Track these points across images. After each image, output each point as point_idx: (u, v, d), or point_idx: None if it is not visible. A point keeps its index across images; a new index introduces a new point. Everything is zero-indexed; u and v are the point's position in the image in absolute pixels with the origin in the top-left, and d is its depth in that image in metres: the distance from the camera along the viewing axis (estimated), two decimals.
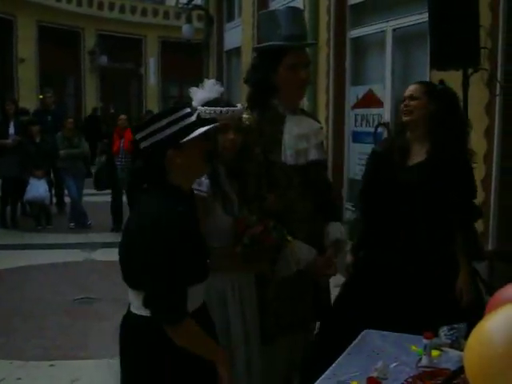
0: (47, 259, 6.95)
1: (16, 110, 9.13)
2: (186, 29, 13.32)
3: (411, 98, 2.95)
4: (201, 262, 2.03)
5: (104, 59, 20.36)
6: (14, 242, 7.84)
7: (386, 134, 6.15)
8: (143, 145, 1.98)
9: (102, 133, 11.23)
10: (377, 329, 2.50)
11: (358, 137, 7.47)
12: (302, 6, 7.50)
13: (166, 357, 1.94)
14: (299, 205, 2.69)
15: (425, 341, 2.17)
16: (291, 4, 7.75)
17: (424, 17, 4.86)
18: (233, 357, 2.40)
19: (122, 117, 8.66)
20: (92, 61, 20.22)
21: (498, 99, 4.67)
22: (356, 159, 7.47)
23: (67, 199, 9.23)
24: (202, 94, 2.49)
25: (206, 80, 2.58)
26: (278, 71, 2.65)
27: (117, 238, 2.27)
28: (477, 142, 3.91)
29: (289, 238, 2.52)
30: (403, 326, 2.48)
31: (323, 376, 2.12)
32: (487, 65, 4.50)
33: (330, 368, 2.18)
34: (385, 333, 2.47)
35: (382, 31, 6.88)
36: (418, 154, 2.94)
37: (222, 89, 2.54)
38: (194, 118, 2.03)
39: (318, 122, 2.96)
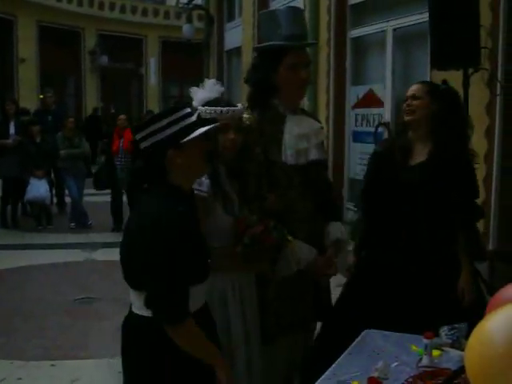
0: (48, 259, 6.95)
1: (16, 110, 9.13)
2: (186, 29, 13.32)
3: (414, 97, 2.94)
4: (201, 262, 2.03)
5: (104, 59, 20.37)
6: (14, 242, 7.84)
7: (386, 134, 6.16)
8: (143, 145, 1.98)
9: (102, 133, 11.23)
10: (378, 329, 2.50)
11: (358, 136, 7.47)
12: (302, 6, 7.50)
13: (167, 357, 1.94)
14: (299, 205, 2.69)
15: (425, 341, 2.17)
16: (291, 4, 7.75)
17: (424, 17, 4.87)
18: (233, 357, 2.40)
19: (122, 117, 8.66)
20: (92, 61, 20.24)
21: (498, 99, 4.68)
22: (356, 159, 7.48)
23: (68, 199, 9.23)
24: (203, 93, 2.48)
25: (206, 80, 2.58)
26: (279, 71, 2.65)
27: (117, 238, 2.27)
28: (477, 141, 3.91)
29: (289, 237, 2.51)
30: (405, 326, 2.47)
31: (323, 376, 2.12)
32: (487, 64, 4.50)
33: (331, 368, 2.17)
34: (386, 333, 2.47)
35: (382, 31, 6.89)
36: (420, 154, 2.94)
37: (222, 89, 2.54)
38: (194, 117, 2.03)
39: (319, 121, 2.96)
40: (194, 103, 2.47)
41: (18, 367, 4.15)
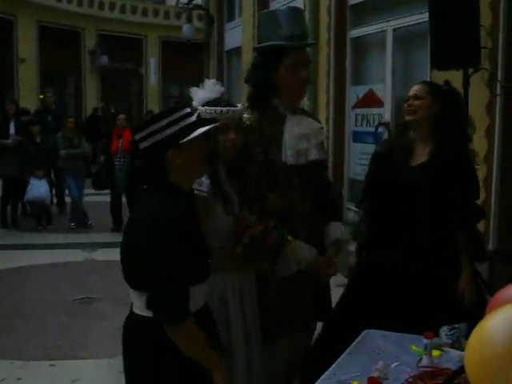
0: (48, 259, 6.95)
1: (16, 110, 9.14)
2: (186, 29, 13.32)
3: (415, 97, 2.94)
4: (202, 262, 2.03)
5: (104, 59, 20.37)
6: (14, 242, 7.84)
7: (386, 134, 6.16)
8: (143, 145, 1.98)
9: (102, 133, 11.24)
10: (379, 329, 2.50)
11: (358, 136, 7.47)
12: (302, 6, 7.51)
13: (167, 357, 1.94)
14: (300, 205, 2.69)
15: (425, 341, 2.17)
16: (292, 4, 7.75)
17: (424, 17, 4.87)
18: (233, 357, 2.40)
19: (121, 116, 8.67)
20: (92, 61, 20.23)
21: (498, 99, 4.68)
22: (356, 159, 7.48)
23: (68, 199, 9.23)
24: (203, 93, 2.48)
25: (206, 80, 2.58)
26: (279, 71, 2.65)
27: (117, 238, 2.27)
28: (477, 141, 3.90)
29: (289, 237, 2.51)
30: (405, 326, 2.47)
31: (323, 376, 2.12)
32: (488, 64, 4.50)
33: (331, 368, 2.17)
34: (386, 333, 2.47)
35: (382, 31, 6.88)
36: (421, 154, 2.94)
37: (222, 89, 2.53)
38: (194, 117, 2.03)
39: (319, 121, 2.96)
40: (194, 103, 2.47)
41: (18, 367, 4.15)
